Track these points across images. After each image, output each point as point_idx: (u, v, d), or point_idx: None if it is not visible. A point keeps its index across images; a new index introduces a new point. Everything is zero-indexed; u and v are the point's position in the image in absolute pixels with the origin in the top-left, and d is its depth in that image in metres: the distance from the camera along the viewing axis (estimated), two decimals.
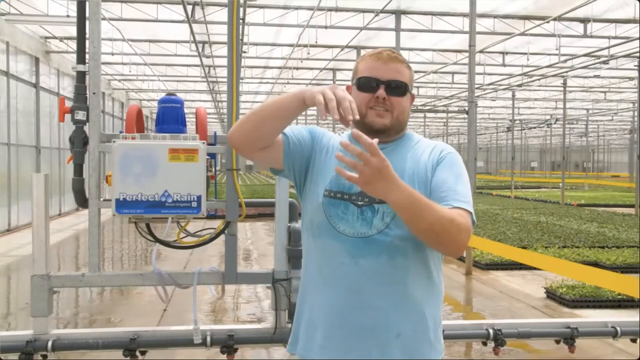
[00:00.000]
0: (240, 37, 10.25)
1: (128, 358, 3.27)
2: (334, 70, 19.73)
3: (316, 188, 1.86)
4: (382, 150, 1.84)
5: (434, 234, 1.64)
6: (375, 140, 1.53)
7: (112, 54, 16.12)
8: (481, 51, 15.71)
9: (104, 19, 11.37)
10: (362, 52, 16.43)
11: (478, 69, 16.31)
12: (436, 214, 1.63)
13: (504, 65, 17.60)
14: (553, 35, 14.21)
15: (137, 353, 3.29)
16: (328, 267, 1.81)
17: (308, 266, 1.91)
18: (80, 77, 3.47)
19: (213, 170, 3.46)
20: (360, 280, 1.76)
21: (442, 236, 1.65)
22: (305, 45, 14.55)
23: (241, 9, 10.77)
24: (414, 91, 1.94)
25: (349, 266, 1.77)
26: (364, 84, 1.83)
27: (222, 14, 11.90)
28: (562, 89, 22.00)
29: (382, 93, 1.81)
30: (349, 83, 1.93)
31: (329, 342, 1.78)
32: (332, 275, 1.79)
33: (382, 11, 12.52)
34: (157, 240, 3.49)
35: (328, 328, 1.79)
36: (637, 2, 11.82)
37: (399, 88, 1.83)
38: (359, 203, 1.79)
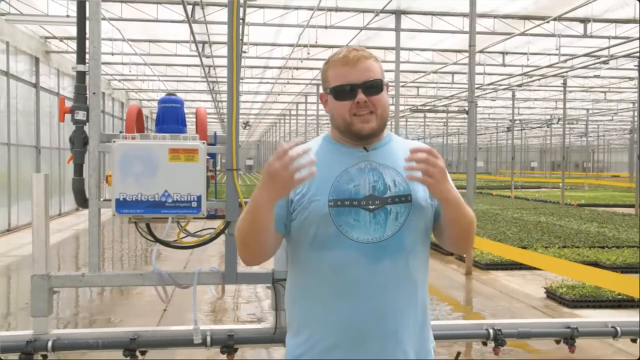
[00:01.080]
0: (240, 37, 10.24)
1: (128, 358, 3.26)
2: None
3: (315, 203, 1.77)
4: (374, 150, 1.85)
5: (468, 232, 1.80)
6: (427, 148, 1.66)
7: (112, 54, 16.13)
8: (481, 51, 15.72)
9: (104, 19, 11.37)
10: None
11: (478, 69, 16.31)
12: (471, 213, 1.79)
13: (504, 65, 17.60)
14: (553, 35, 14.22)
15: (137, 353, 3.28)
16: (343, 277, 1.75)
17: (307, 280, 1.82)
18: (80, 77, 3.46)
19: (213, 170, 3.45)
20: (379, 285, 1.74)
21: (471, 233, 1.82)
22: (305, 45, 14.55)
23: (241, 9, 10.77)
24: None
25: (368, 273, 1.73)
26: (340, 93, 1.79)
27: (222, 14, 11.90)
28: (562, 89, 22.00)
29: (362, 97, 1.77)
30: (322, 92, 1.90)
31: (349, 350, 1.74)
32: (349, 285, 1.74)
33: (382, 11, 12.52)
34: (157, 240, 3.49)
35: (348, 337, 1.74)
36: (637, 2, 11.82)
37: (375, 87, 1.80)
38: (371, 207, 1.75)
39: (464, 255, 9.11)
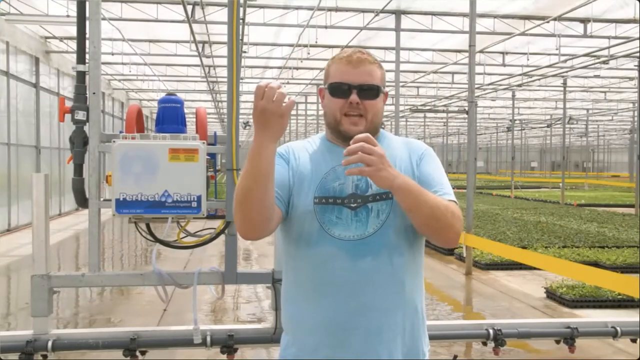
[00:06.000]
0: (240, 37, 10.23)
1: (128, 358, 3.27)
2: None
3: (302, 198, 1.81)
4: None
5: (434, 219, 1.69)
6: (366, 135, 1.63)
7: (112, 54, 16.12)
8: (481, 51, 15.71)
9: (104, 19, 11.37)
10: None
11: (478, 69, 16.30)
12: (434, 198, 1.71)
13: (504, 65, 17.59)
14: (553, 35, 14.22)
15: (137, 353, 3.29)
16: (324, 274, 1.77)
17: (295, 278, 1.84)
18: (80, 77, 3.47)
19: (213, 170, 3.46)
20: (361, 283, 1.74)
21: (442, 221, 1.70)
22: (305, 45, 14.55)
23: (241, 9, 10.77)
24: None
25: (349, 270, 1.75)
26: (336, 90, 1.82)
27: (222, 14, 11.90)
28: (562, 89, 22.00)
29: (355, 98, 1.79)
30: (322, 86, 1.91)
31: (333, 348, 1.75)
32: (330, 282, 1.76)
33: (382, 11, 12.52)
34: (157, 240, 3.49)
35: (331, 335, 1.75)
36: (637, 2, 11.82)
37: (371, 91, 1.81)
38: (352, 205, 1.78)
39: (464, 255, 9.11)
